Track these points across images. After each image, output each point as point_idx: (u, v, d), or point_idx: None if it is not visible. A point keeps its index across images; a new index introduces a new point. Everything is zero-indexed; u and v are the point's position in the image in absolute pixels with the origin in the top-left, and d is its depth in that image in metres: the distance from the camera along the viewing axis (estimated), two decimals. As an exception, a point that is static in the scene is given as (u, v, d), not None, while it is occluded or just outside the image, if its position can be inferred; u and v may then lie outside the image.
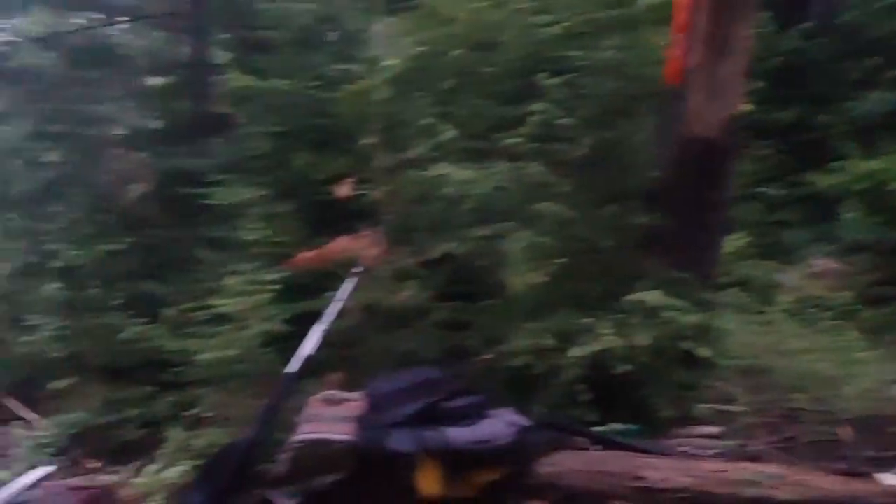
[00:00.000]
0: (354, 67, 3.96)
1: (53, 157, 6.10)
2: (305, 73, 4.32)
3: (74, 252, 5.24)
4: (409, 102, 3.92)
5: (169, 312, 4.72)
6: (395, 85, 3.77)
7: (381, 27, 3.90)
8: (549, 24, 3.75)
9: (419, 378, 3.13)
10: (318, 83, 4.25)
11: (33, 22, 7.57)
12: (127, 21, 6.74)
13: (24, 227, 5.85)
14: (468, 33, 3.85)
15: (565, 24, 3.70)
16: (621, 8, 3.61)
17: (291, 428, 3.07)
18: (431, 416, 2.85)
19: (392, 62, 3.77)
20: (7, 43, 6.56)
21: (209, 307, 4.17)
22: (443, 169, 3.64)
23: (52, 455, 4.51)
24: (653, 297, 3.22)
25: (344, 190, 3.83)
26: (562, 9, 3.77)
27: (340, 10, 4.47)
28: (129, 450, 4.47)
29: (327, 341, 3.53)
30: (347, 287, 3.56)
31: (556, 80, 3.54)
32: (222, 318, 4.05)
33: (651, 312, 3.22)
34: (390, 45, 3.80)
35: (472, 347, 3.66)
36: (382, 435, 2.80)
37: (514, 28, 3.83)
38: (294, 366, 3.23)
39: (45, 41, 6.63)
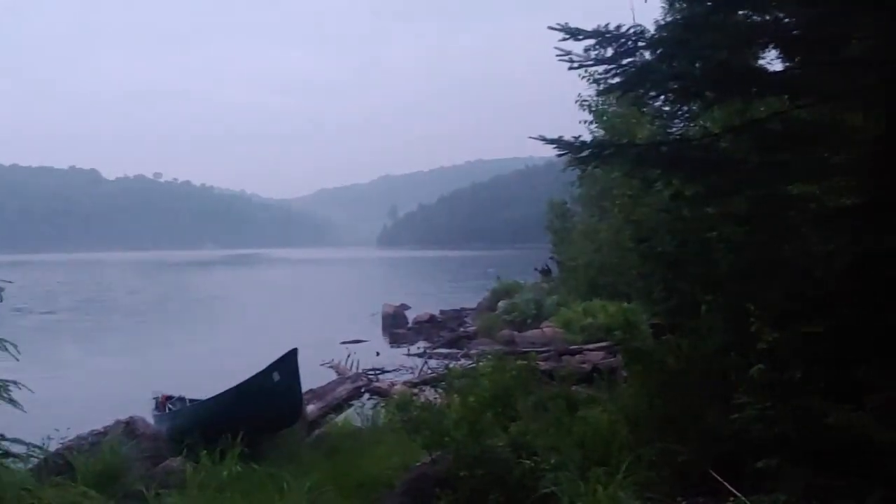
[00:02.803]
0: None
1: (750, 238, 6.36)
2: None
3: (774, 334, 5.35)
4: None
5: (876, 400, 4.47)
6: None
7: None
8: None
9: None
10: None
11: (728, 112, 8.15)
12: (814, 102, 6.74)
13: (726, 305, 6.22)
14: None
15: None
16: None
17: None
18: None
19: None
20: (708, 135, 7.11)
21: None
22: None
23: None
24: None
25: None
26: None
27: None
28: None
29: None
30: None
31: None
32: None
33: None
34: None
35: None
36: None
37: None
38: None
39: (740, 129, 7.02)
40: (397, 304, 31.40)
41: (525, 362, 6.74)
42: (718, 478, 5.08)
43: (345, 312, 35.61)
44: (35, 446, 5.27)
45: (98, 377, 19.58)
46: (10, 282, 5.05)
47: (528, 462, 5.31)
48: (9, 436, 5.01)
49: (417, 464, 6.42)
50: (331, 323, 30.53)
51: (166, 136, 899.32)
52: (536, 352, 14.57)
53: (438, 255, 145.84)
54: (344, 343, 22.47)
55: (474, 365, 8.90)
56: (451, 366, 14.60)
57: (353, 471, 7.35)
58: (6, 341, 4.93)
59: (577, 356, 14.55)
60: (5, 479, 4.79)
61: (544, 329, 19.52)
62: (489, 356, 7.45)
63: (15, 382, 4.88)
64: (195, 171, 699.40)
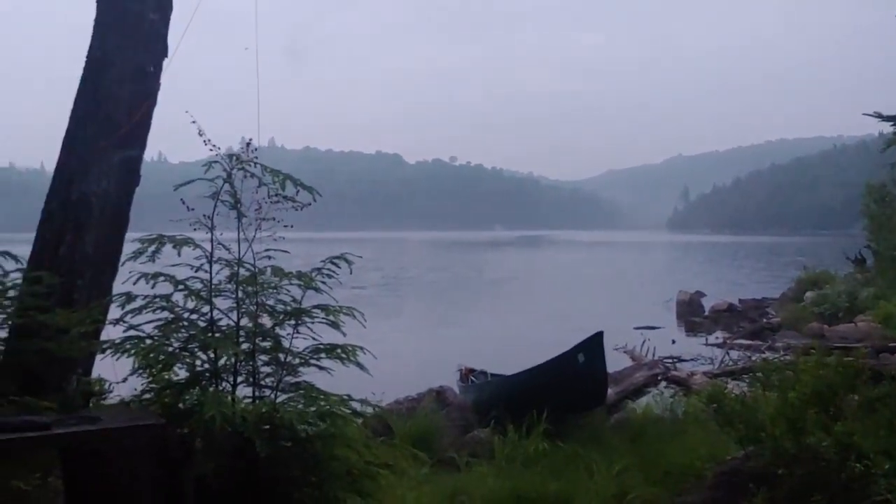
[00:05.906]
0: None
1: None
2: None
3: None
4: None
5: None
6: None
7: None
8: None
9: None
10: None
11: None
12: None
13: None
14: None
15: None
16: None
17: None
18: None
19: None
20: None
21: None
22: None
23: None
24: None
25: None
26: None
27: None
28: None
29: None
30: None
31: None
32: None
33: None
34: None
35: None
36: None
37: None
38: None
39: None
40: (692, 290, 30.43)
41: (851, 358, 6.28)
42: None
43: (636, 297, 35.25)
44: (379, 407, 5.86)
45: (404, 348, 21.17)
46: (359, 256, 5.55)
47: (857, 465, 4.99)
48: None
49: (729, 457, 6.27)
50: (622, 307, 30.39)
51: (461, 121, 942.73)
52: (853, 347, 13.50)
53: (733, 241, 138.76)
54: (638, 328, 22.26)
55: (790, 358, 8.45)
56: (755, 358, 13.98)
57: (658, 458, 7.32)
58: (354, 309, 5.47)
59: (899, 355, 13.27)
60: (352, 435, 5.38)
61: (858, 323, 18.00)
62: (812, 349, 7.03)
63: (361, 348, 5.40)
64: (486, 155, 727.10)
